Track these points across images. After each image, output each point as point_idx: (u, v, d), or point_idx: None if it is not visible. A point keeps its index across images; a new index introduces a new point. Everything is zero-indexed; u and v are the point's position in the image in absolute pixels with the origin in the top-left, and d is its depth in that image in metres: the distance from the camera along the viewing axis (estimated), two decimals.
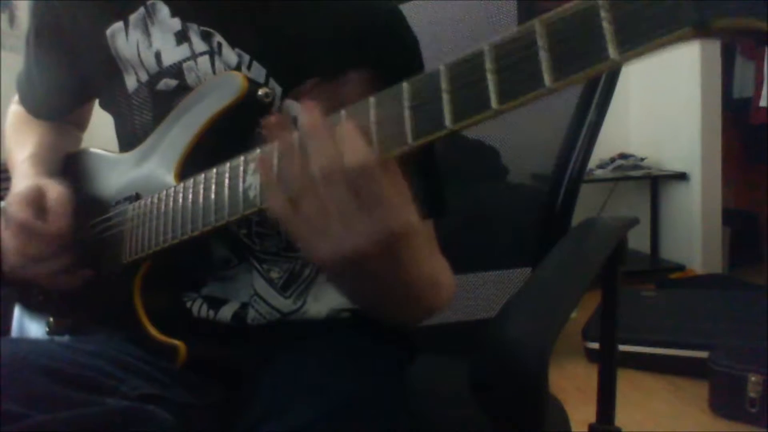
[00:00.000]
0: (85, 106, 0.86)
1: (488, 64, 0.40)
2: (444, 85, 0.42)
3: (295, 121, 0.68)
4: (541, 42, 0.37)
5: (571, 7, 0.36)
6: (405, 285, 0.51)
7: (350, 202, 0.43)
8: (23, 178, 0.74)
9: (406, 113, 0.44)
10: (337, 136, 0.44)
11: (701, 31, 0.32)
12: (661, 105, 3.55)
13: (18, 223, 0.66)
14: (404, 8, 0.95)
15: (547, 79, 0.37)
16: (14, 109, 0.88)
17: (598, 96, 0.91)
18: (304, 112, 0.47)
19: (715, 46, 3.08)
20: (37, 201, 0.68)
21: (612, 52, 0.35)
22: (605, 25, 0.35)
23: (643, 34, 0.34)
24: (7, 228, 0.68)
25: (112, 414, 0.52)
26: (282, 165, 0.47)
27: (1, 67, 2.04)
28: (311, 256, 0.47)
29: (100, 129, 0.89)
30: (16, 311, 0.81)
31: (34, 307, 0.78)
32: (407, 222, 0.45)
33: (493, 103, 0.40)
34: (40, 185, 0.69)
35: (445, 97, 0.42)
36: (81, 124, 0.89)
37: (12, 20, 2.53)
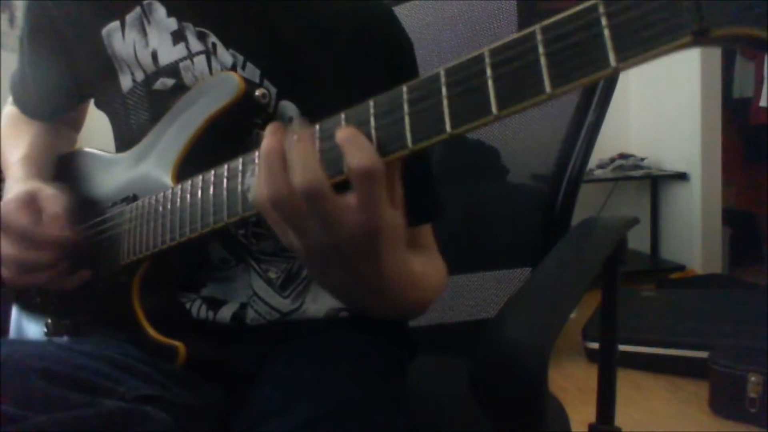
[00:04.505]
0: (81, 107, 0.86)
1: (488, 70, 0.40)
2: (443, 89, 0.42)
3: (290, 120, 0.68)
4: (541, 48, 0.37)
5: (570, 13, 0.36)
6: (378, 283, 0.54)
7: (305, 216, 0.48)
8: (16, 181, 0.73)
9: (406, 117, 0.44)
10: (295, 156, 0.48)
11: (701, 38, 0.32)
12: (661, 105, 3.55)
13: (16, 230, 0.66)
14: (404, 8, 0.96)
15: (547, 85, 0.37)
16: (9, 109, 0.87)
17: (597, 96, 0.91)
18: (268, 134, 0.50)
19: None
20: (32, 206, 0.67)
21: (612, 59, 0.35)
22: (605, 32, 0.35)
23: (643, 41, 0.34)
24: (5, 236, 0.67)
25: (109, 415, 0.52)
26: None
27: (1, 67, 2.03)
28: (289, 249, 0.52)
29: (98, 129, 0.88)
30: (14, 312, 0.80)
31: (31, 309, 0.78)
32: (353, 235, 0.48)
33: (494, 108, 0.39)
34: (35, 189, 0.68)
35: (445, 102, 0.42)
36: (76, 124, 0.89)
37: (12, 20, 2.52)
